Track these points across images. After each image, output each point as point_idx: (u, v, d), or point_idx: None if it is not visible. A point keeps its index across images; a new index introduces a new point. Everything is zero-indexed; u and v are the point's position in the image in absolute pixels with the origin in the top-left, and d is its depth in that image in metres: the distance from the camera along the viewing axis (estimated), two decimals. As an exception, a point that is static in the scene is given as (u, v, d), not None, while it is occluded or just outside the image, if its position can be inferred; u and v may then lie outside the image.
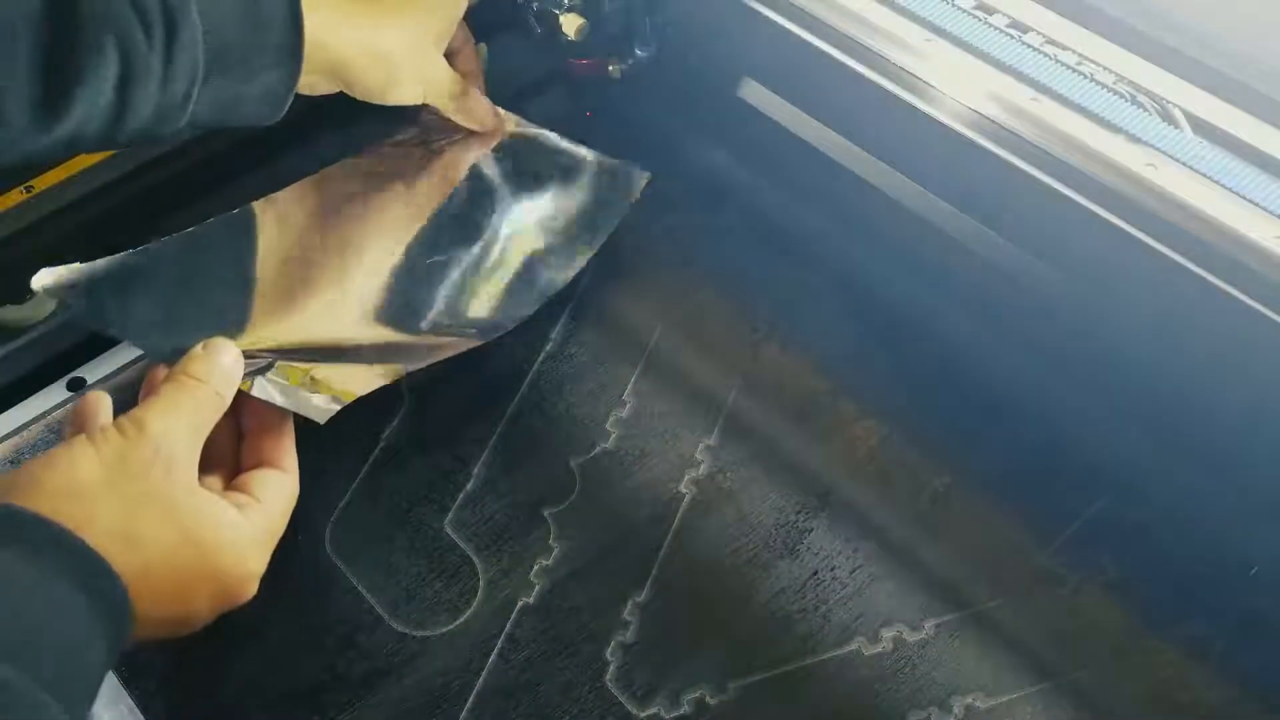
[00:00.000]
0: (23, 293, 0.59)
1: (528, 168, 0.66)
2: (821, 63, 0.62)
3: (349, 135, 0.68)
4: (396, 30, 0.57)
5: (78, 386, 0.60)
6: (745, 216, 0.69)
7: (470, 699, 0.51)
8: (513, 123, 0.67)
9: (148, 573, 0.41)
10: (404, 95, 0.60)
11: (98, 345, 0.61)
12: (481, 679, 0.52)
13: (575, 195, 0.66)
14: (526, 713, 0.51)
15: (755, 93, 0.69)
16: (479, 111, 0.64)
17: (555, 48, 0.69)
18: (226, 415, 0.48)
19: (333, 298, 0.58)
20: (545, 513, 0.57)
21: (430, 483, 0.58)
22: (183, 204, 0.63)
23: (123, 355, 0.61)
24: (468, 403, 0.61)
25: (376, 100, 0.59)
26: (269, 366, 0.51)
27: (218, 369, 0.47)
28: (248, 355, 0.51)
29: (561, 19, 0.67)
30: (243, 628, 0.52)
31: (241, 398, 0.49)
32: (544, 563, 0.56)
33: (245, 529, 0.45)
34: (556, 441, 0.60)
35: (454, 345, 0.59)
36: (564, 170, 0.66)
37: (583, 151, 0.66)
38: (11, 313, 0.58)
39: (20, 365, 0.59)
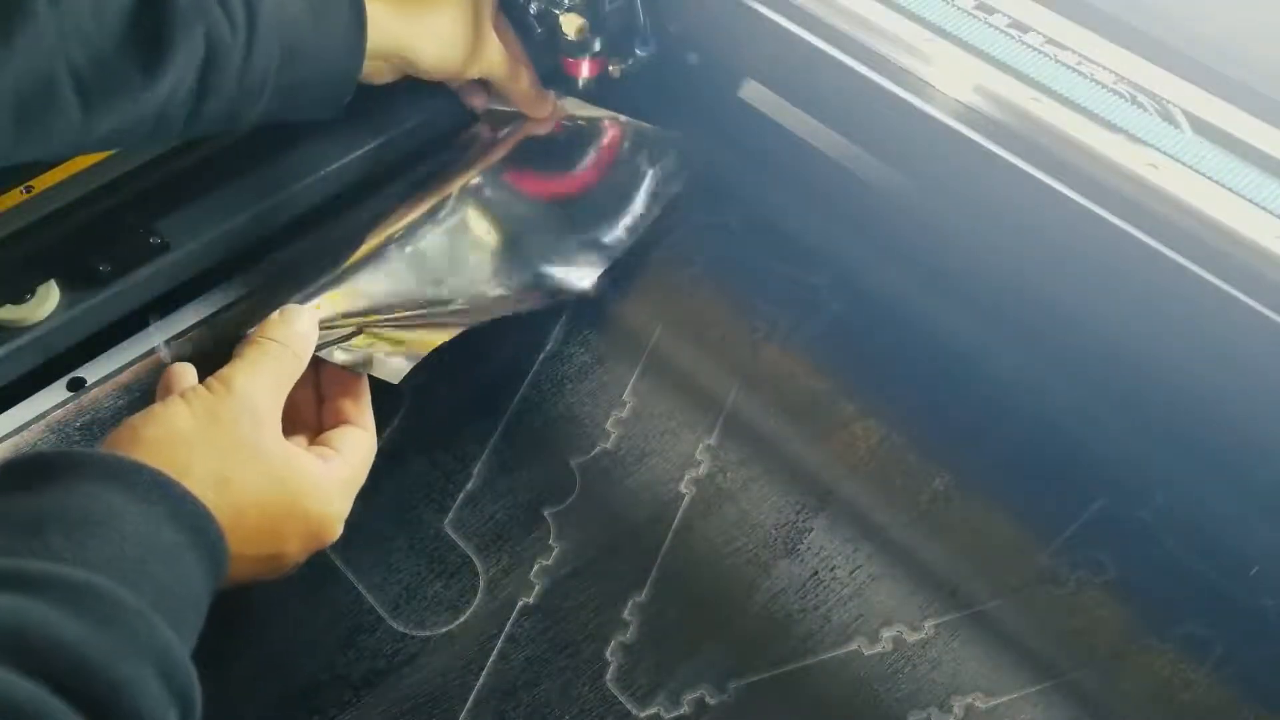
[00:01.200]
0: (23, 293, 0.59)
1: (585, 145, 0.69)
2: (822, 62, 0.62)
3: (349, 136, 0.68)
4: (452, 9, 0.62)
5: (78, 386, 0.60)
6: (745, 216, 0.69)
7: (470, 699, 0.51)
8: (571, 105, 0.70)
9: (241, 516, 0.44)
10: (466, 71, 0.64)
11: (98, 345, 0.61)
12: (481, 679, 0.52)
13: (636, 166, 0.69)
14: (526, 712, 0.51)
15: (755, 93, 0.69)
16: (529, 87, 0.67)
17: (554, 48, 0.69)
18: (308, 383, 0.52)
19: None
20: (545, 512, 0.57)
21: (430, 483, 0.58)
22: (183, 204, 0.63)
23: (123, 355, 0.61)
24: (468, 403, 0.61)
25: (439, 78, 0.64)
26: (349, 336, 0.55)
27: (294, 332, 0.52)
28: (329, 325, 0.55)
29: (561, 19, 0.67)
30: (243, 628, 0.52)
31: (321, 365, 0.53)
32: (544, 562, 0.56)
33: (328, 475, 0.48)
34: (557, 441, 0.60)
35: (521, 303, 0.62)
36: (620, 148, 0.69)
37: (639, 124, 0.70)
38: (11, 313, 0.58)
39: (20, 365, 0.59)
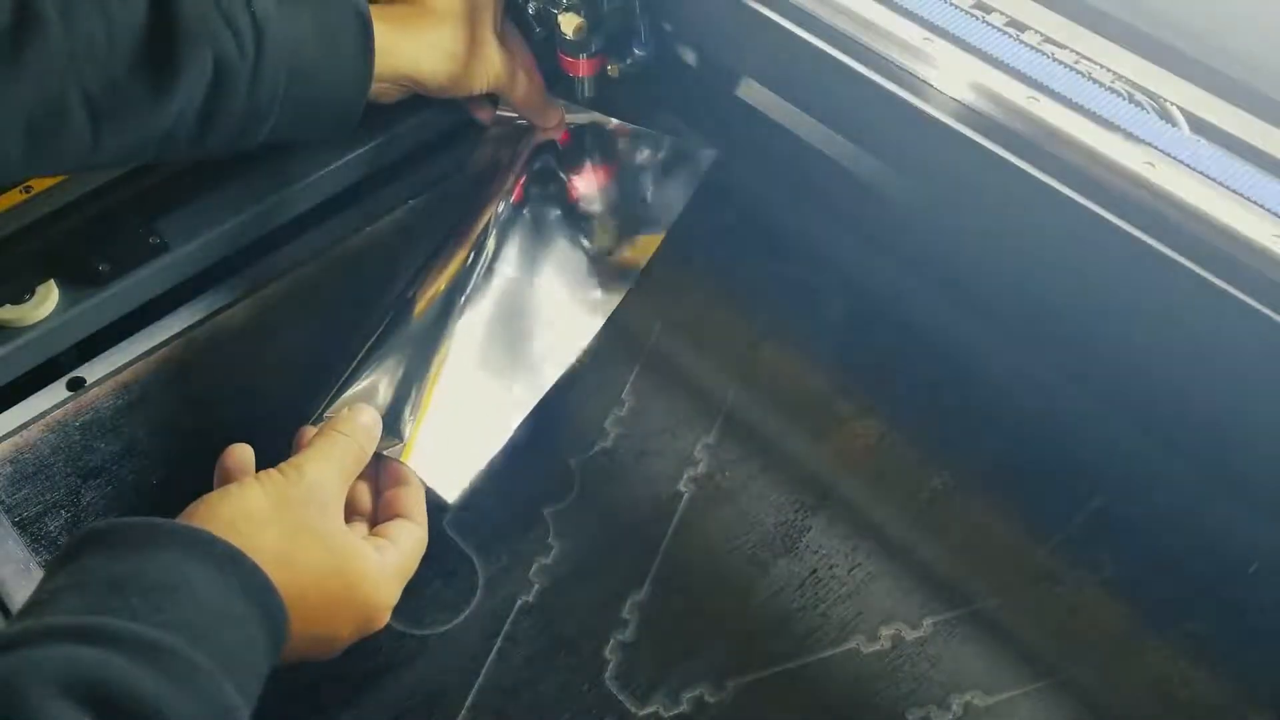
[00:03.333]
0: (23, 293, 0.59)
1: (594, 150, 0.70)
2: (820, 61, 0.62)
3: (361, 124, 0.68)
4: (454, 27, 0.63)
5: (77, 386, 0.60)
6: (745, 216, 0.69)
7: (470, 697, 0.51)
8: (576, 113, 0.70)
9: (302, 595, 0.46)
10: (473, 87, 0.65)
11: (97, 345, 0.61)
12: (481, 677, 0.52)
13: (641, 174, 0.69)
14: (526, 710, 0.51)
15: (754, 92, 0.69)
16: (537, 99, 0.68)
17: (553, 47, 0.69)
18: (367, 475, 0.54)
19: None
20: (544, 511, 0.57)
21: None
22: (182, 204, 0.63)
23: (122, 355, 0.61)
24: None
25: (448, 95, 0.65)
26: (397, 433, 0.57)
27: (361, 426, 0.54)
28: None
29: (560, 18, 0.67)
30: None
31: (379, 460, 0.55)
32: (543, 561, 0.56)
33: (381, 565, 0.50)
34: (556, 440, 0.60)
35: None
36: (628, 151, 0.69)
37: (645, 131, 0.70)
38: (11, 313, 0.58)
39: (20, 365, 0.59)
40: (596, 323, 0.62)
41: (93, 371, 0.60)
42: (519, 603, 0.54)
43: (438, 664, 0.52)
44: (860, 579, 0.55)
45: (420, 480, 0.55)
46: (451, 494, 0.55)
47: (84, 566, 0.42)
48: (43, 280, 0.59)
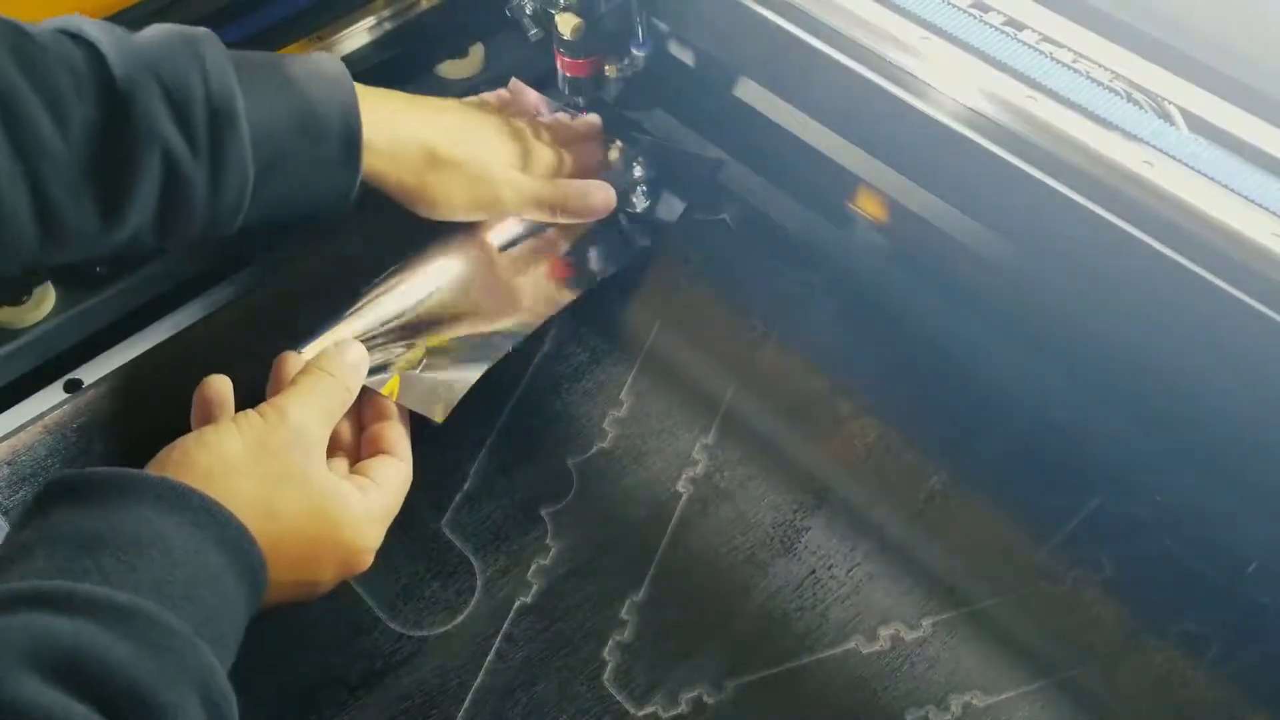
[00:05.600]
0: (20, 294, 0.59)
1: None
2: (817, 61, 0.62)
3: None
4: (459, 171, 0.59)
5: (75, 388, 0.60)
6: (742, 214, 0.69)
7: (468, 699, 0.51)
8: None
9: (282, 543, 0.45)
10: (470, 212, 0.61)
11: (95, 346, 0.61)
12: (479, 679, 0.52)
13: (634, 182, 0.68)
14: (524, 712, 0.51)
15: (752, 91, 0.69)
16: (574, 203, 0.63)
17: (551, 47, 0.69)
18: (350, 411, 0.53)
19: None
20: (542, 512, 0.57)
21: (427, 483, 0.58)
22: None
23: (119, 357, 0.61)
24: (465, 403, 0.61)
25: (439, 215, 0.60)
26: (384, 368, 0.56)
27: (347, 365, 0.52)
28: (369, 338, 0.57)
29: (557, 19, 0.67)
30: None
31: (363, 395, 0.54)
32: (541, 562, 0.56)
33: (365, 507, 0.49)
34: (554, 441, 0.60)
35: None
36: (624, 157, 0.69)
37: (643, 137, 0.70)
38: (8, 314, 0.58)
39: (18, 366, 0.59)
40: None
41: (90, 373, 0.60)
42: (517, 604, 0.54)
43: (436, 665, 0.52)
44: (859, 579, 0.55)
45: (405, 413, 0.55)
46: (439, 414, 0.55)
47: (53, 522, 0.41)
48: (40, 282, 0.60)
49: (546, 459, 0.59)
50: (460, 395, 0.56)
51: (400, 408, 0.55)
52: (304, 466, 0.48)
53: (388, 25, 0.72)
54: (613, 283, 0.65)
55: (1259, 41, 0.57)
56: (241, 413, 0.49)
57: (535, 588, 0.55)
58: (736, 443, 0.59)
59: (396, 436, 0.54)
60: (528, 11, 0.70)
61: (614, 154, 0.68)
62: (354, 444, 0.54)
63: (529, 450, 0.60)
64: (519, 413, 0.61)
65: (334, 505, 0.48)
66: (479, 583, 0.55)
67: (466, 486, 0.58)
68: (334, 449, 0.52)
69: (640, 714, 0.51)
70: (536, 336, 0.63)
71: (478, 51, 0.74)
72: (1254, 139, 0.54)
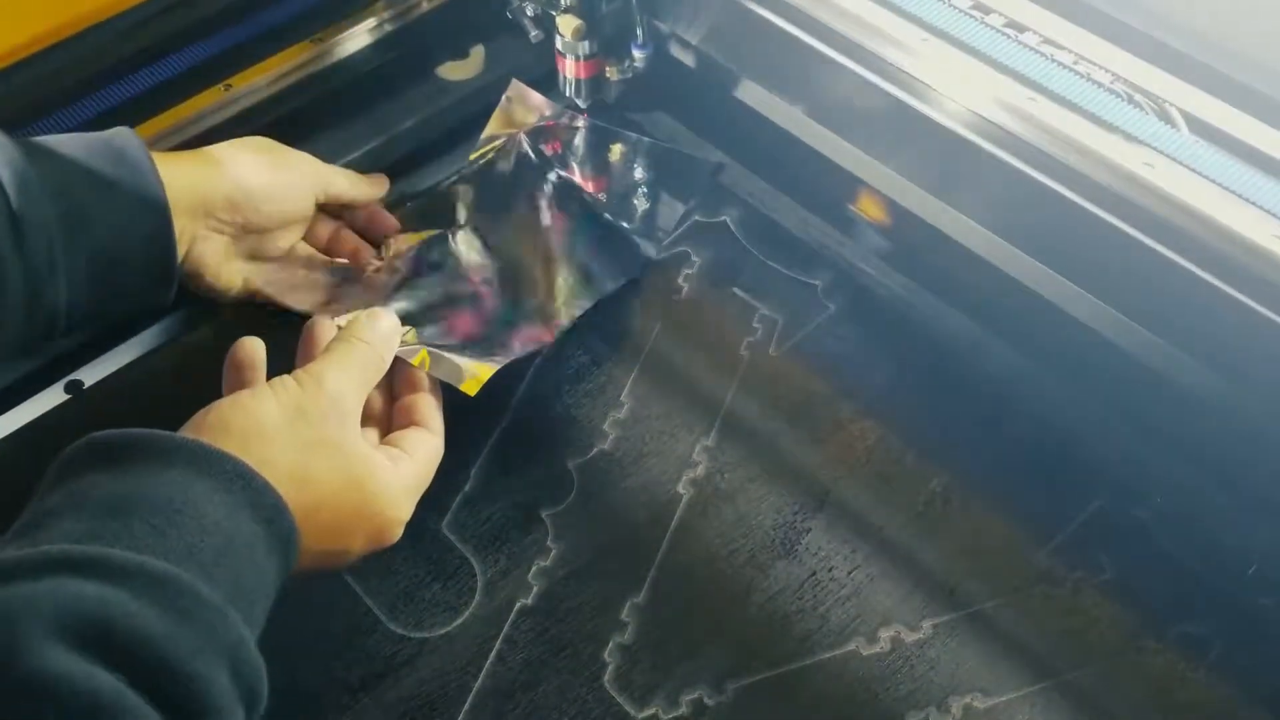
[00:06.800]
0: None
1: (588, 159, 0.69)
2: (818, 62, 0.62)
3: (349, 136, 0.68)
4: (255, 155, 0.59)
5: (75, 389, 0.60)
6: (743, 217, 0.69)
7: (468, 700, 0.51)
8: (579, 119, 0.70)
9: (315, 511, 0.45)
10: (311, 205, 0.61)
11: (96, 348, 0.61)
12: (479, 680, 0.52)
13: (635, 185, 0.68)
14: (524, 714, 0.51)
15: (752, 92, 0.69)
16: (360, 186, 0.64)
17: (551, 49, 0.69)
18: (381, 381, 0.52)
19: None
20: (543, 514, 0.57)
21: (428, 484, 0.58)
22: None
23: (120, 358, 0.61)
24: (466, 404, 0.61)
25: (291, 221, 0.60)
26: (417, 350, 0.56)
27: (381, 334, 0.51)
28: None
29: (558, 20, 0.67)
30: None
31: (394, 365, 0.53)
32: (542, 564, 0.56)
33: (398, 479, 0.49)
34: (554, 443, 0.60)
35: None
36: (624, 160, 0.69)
37: (642, 140, 0.69)
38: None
39: (18, 368, 0.59)
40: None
41: (90, 374, 0.60)
42: (517, 605, 0.54)
43: (436, 667, 0.52)
44: (859, 581, 0.55)
45: (437, 385, 0.54)
46: (471, 388, 0.54)
47: (82, 484, 0.40)
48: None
49: (547, 461, 0.59)
50: (492, 373, 0.56)
51: (432, 379, 0.55)
52: (339, 435, 0.47)
53: (388, 27, 0.72)
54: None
55: (1260, 43, 0.57)
56: (278, 378, 0.48)
57: (536, 589, 0.55)
58: (737, 444, 0.59)
59: (429, 408, 0.53)
60: (529, 13, 0.70)
61: (614, 156, 0.68)
62: (385, 414, 0.54)
63: (530, 452, 0.60)
64: (520, 414, 0.61)
65: (368, 476, 0.47)
66: (479, 584, 0.55)
67: (467, 488, 0.58)
68: (365, 419, 0.52)
69: (641, 716, 0.51)
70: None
71: (478, 53, 0.74)
72: (1255, 141, 0.54)
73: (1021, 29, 0.60)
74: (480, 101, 0.71)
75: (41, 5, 0.63)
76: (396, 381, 0.54)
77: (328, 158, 0.65)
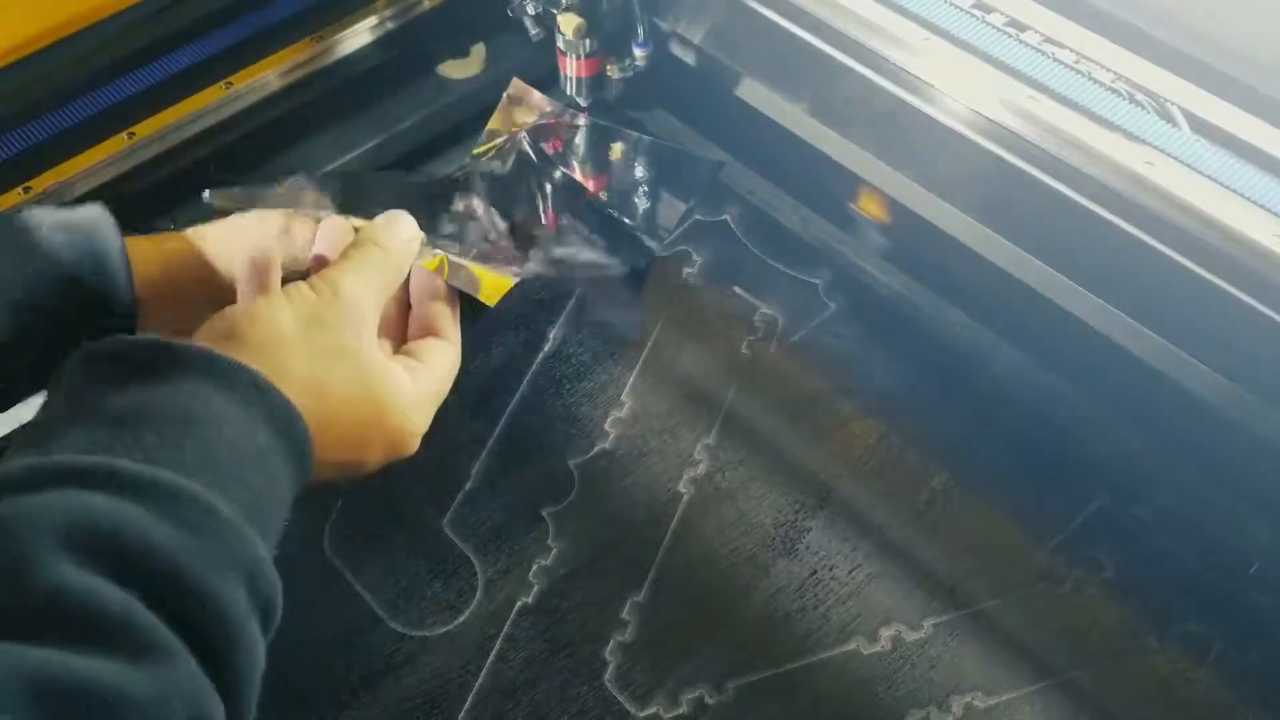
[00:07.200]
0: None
1: (588, 158, 0.68)
2: (819, 61, 0.62)
3: (349, 136, 0.68)
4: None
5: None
6: (744, 215, 0.69)
7: (469, 699, 0.51)
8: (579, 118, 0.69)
9: (332, 423, 0.43)
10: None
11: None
12: (480, 679, 0.52)
13: (636, 183, 0.67)
14: (525, 712, 0.51)
15: (753, 91, 0.69)
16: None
17: (552, 47, 0.69)
18: (398, 288, 0.50)
19: None
20: (544, 513, 0.57)
21: (429, 483, 0.58)
22: (182, 204, 0.63)
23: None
24: (466, 403, 0.61)
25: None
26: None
27: (400, 240, 0.49)
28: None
29: (559, 18, 0.67)
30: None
31: (412, 271, 0.51)
32: (542, 563, 0.56)
33: (415, 391, 0.47)
34: (555, 442, 0.60)
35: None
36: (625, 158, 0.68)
37: (643, 138, 0.68)
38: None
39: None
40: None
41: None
42: (518, 604, 0.54)
43: (437, 665, 0.52)
44: (860, 580, 0.55)
45: (454, 295, 0.52)
46: (491, 297, 0.53)
47: (89, 393, 0.38)
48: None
49: (548, 459, 0.59)
50: (510, 285, 0.54)
51: (450, 288, 0.53)
52: (356, 345, 0.45)
53: (389, 25, 0.72)
54: (614, 283, 0.65)
55: (1261, 42, 0.57)
56: (292, 284, 0.46)
57: (536, 588, 0.55)
58: (738, 443, 0.59)
59: (446, 318, 0.51)
60: (530, 11, 0.70)
61: (615, 154, 0.68)
62: (400, 322, 0.52)
63: (530, 450, 0.60)
64: (520, 413, 0.61)
65: (384, 387, 0.46)
66: (480, 583, 0.55)
67: (468, 486, 0.58)
68: (381, 326, 0.49)
69: (641, 714, 0.51)
70: (538, 337, 0.63)
71: (479, 51, 0.74)
72: (1256, 140, 0.54)
73: (1023, 28, 0.59)
74: (481, 100, 0.71)
75: (42, 3, 0.63)
76: (414, 289, 0.52)
77: (328, 156, 0.66)
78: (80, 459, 0.35)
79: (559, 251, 0.61)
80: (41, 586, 0.31)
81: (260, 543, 0.37)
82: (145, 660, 0.32)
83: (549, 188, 0.66)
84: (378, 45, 0.71)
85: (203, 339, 0.43)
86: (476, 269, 0.54)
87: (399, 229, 0.50)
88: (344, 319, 0.45)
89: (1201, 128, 0.55)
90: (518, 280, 0.55)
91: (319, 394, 0.43)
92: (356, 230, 0.50)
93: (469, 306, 0.53)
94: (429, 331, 0.51)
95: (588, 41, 0.68)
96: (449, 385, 0.50)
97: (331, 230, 0.51)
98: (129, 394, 0.38)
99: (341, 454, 0.45)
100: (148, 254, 0.50)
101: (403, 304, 0.52)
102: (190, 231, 0.52)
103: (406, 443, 0.47)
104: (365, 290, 0.47)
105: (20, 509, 0.33)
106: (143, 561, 0.33)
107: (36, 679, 0.29)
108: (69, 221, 0.47)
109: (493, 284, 0.53)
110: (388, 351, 0.49)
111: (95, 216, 0.48)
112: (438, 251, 0.53)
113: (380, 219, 0.50)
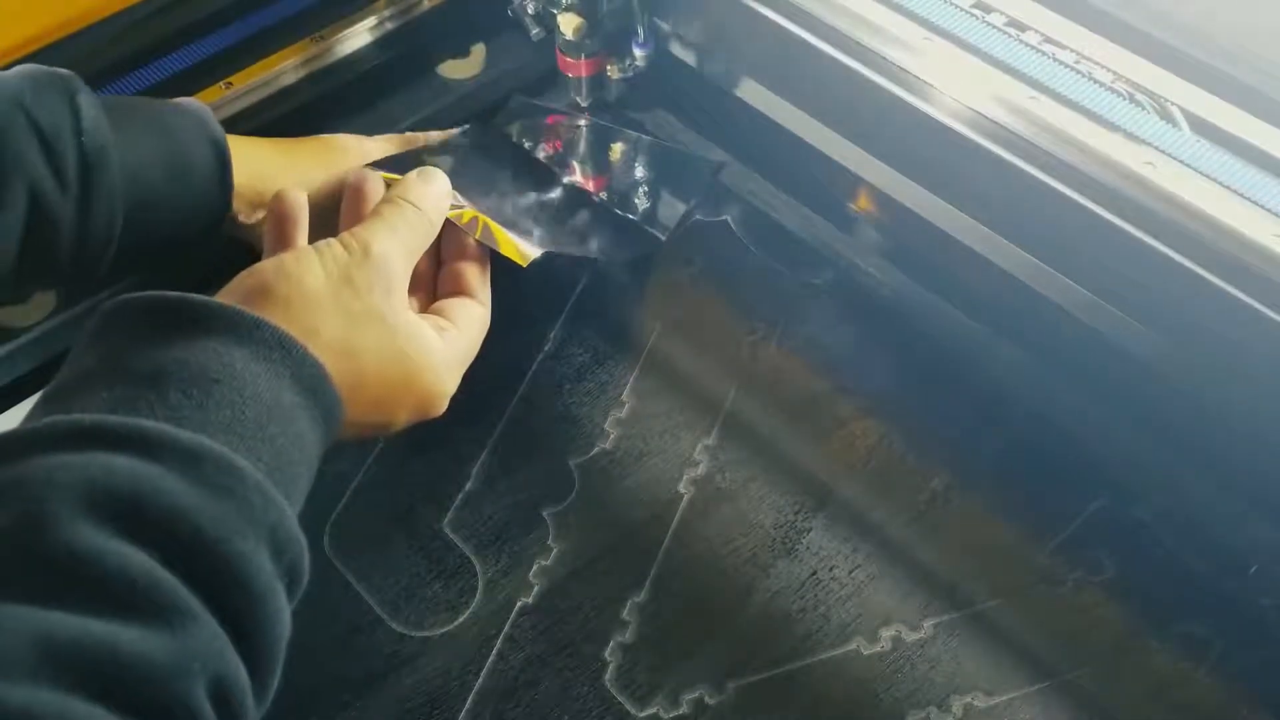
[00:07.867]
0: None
1: (589, 158, 0.68)
2: (819, 61, 0.61)
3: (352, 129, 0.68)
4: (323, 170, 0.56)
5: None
6: (745, 216, 0.69)
7: (469, 699, 0.51)
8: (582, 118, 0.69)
9: (360, 384, 0.43)
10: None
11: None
12: (480, 679, 0.52)
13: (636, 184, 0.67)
14: (525, 713, 0.51)
15: (753, 91, 0.69)
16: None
17: (552, 48, 0.69)
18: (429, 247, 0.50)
19: None
20: (544, 513, 0.57)
21: (429, 483, 0.58)
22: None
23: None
24: (467, 403, 0.61)
25: None
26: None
27: (432, 196, 0.49)
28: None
29: (559, 18, 0.67)
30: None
31: (444, 228, 0.51)
32: (543, 563, 0.56)
33: (444, 351, 0.47)
34: (555, 442, 0.60)
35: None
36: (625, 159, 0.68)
37: (643, 138, 0.68)
38: (8, 315, 0.58)
39: (16, 368, 0.59)
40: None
41: (91, 373, 0.60)
42: (518, 604, 0.54)
43: (437, 666, 0.52)
44: (860, 580, 0.55)
45: (485, 253, 0.52)
46: (525, 257, 0.52)
47: (116, 348, 0.38)
48: (41, 282, 0.59)
49: (548, 459, 0.59)
50: (540, 252, 0.53)
51: (481, 247, 0.52)
52: (386, 305, 0.45)
53: (389, 25, 0.72)
54: (614, 282, 0.65)
55: (1262, 43, 0.57)
56: (323, 241, 0.46)
57: (537, 588, 0.55)
58: (738, 444, 0.59)
59: (477, 278, 0.51)
60: (530, 11, 0.70)
61: (615, 155, 0.68)
62: (430, 279, 0.52)
63: (530, 450, 0.60)
64: (520, 413, 0.61)
65: (414, 348, 0.46)
66: (480, 583, 0.55)
67: (468, 486, 0.58)
68: (410, 284, 0.49)
69: (642, 715, 0.51)
70: (538, 337, 0.63)
71: (479, 51, 0.74)
72: (1256, 140, 0.54)
73: (1023, 28, 0.59)
74: (481, 100, 0.71)
75: (41, 3, 0.63)
76: (444, 246, 0.52)
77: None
78: (104, 419, 0.35)
79: (579, 219, 0.60)
80: (61, 548, 0.31)
81: (285, 504, 0.36)
82: (166, 623, 0.31)
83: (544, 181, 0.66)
84: (377, 45, 0.71)
85: (231, 295, 0.43)
86: (500, 233, 0.54)
87: (432, 186, 0.49)
88: (375, 280, 0.45)
89: (1201, 128, 0.55)
90: (544, 250, 0.54)
91: (349, 354, 0.43)
92: (388, 185, 0.50)
93: (499, 272, 0.53)
94: (459, 290, 0.51)
95: (588, 41, 0.68)
96: (478, 345, 0.50)
97: (364, 185, 0.50)
98: (155, 351, 0.38)
99: (370, 414, 0.45)
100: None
101: (433, 260, 0.52)
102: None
103: (435, 403, 0.48)
104: (397, 250, 0.47)
105: (40, 468, 0.32)
106: (164, 524, 0.33)
107: (54, 642, 0.29)
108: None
109: (516, 249, 0.53)
110: (416, 309, 0.49)
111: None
112: (468, 208, 0.52)
113: (414, 174, 0.50)
